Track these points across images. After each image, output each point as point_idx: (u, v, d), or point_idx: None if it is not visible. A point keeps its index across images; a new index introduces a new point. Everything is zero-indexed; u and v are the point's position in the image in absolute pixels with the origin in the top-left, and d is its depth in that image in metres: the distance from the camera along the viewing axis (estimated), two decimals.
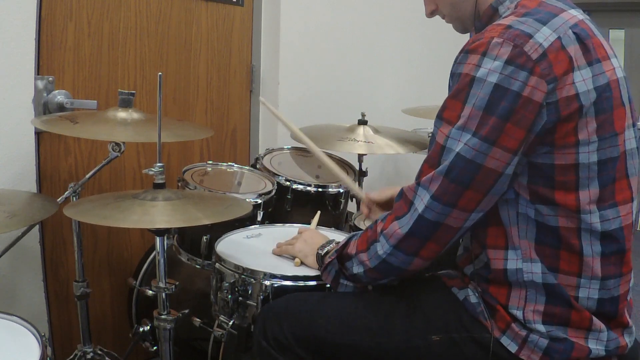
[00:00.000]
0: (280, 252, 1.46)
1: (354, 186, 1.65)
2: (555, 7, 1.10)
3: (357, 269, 1.22)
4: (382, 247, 1.16)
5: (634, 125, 1.14)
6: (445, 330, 1.16)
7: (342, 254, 1.26)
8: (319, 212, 1.67)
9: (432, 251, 1.13)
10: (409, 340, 1.17)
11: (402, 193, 1.15)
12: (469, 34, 1.31)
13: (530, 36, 1.03)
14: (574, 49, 1.04)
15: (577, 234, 1.08)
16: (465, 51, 1.08)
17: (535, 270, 1.10)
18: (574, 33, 1.06)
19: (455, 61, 1.10)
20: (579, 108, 1.03)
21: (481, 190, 1.07)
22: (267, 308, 1.29)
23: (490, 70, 1.03)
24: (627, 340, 1.13)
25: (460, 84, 1.07)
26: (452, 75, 1.11)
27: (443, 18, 1.31)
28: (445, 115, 1.10)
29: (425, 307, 1.20)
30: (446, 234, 1.11)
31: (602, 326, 1.10)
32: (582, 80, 1.04)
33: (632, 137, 1.12)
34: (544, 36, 1.03)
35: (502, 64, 1.02)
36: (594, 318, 1.10)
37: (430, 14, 1.31)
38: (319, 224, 1.65)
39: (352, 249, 1.24)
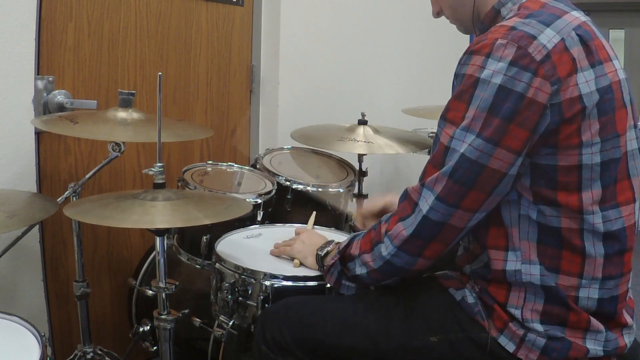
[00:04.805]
0: (279, 253, 1.46)
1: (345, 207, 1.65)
2: (558, 9, 1.10)
3: (360, 270, 1.22)
4: (386, 248, 1.16)
5: (635, 126, 1.14)
6: (443, 331, 1.16)
7: (344, 255, 1.26)
8: (314, 212, 1.67)
9: (435, 251, 1.13)
10: (407, 342, 1.17)
11: (406, 194, 1.16)
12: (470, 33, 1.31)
13: (534, 38, 1.03)
14: (577, 51, 1.05)
15: (579, 235, 1.08)
16: (469, 52, 1.08)
17: (533, 272, 1.10)
18: (577, 35, 1.06)
19: (459, 62, 1.11)
20: (582, 109, 1.04)
21: (485, 191, 1.07)
22: (266, 311, 1.29)
23: (494, 71, 1.03)
24: (627, 341, 1.13)
25: (464, 85, 1.07)
26: (456, 76, 1.11)
27: (448, 19, 1.31)
28: (449, 116, 1.10)
29: (422, 309, 1.20)
30: (450, 234, 1.11)
31: (601, 327, 1.10)
32: (585, 82, 1.04)
33: (633, 138, 1.13)
34: (548, 38, 1.03)
35: (506, 65, 1.03)
36: (592, 319, 1.10)
37: (437, 14, 1.32)
38: (316, 224, 1.66)
39: (355, 250, 1.24)
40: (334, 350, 1.20)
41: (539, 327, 1.10)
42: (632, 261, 1.15)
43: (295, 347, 1.20)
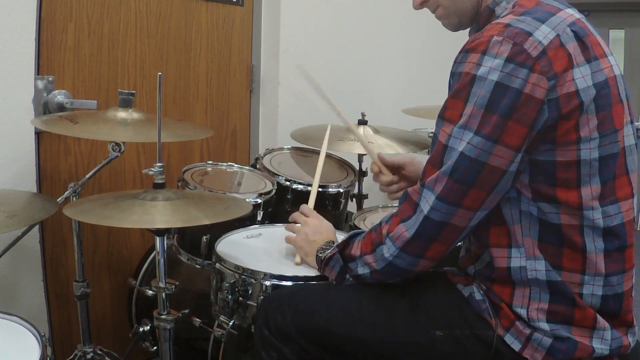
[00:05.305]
0: (288, 239, 1.46)
1: (367, 145, 1.64)
2: (553, 7, 1.11)
3: (362, 270, 1.22)
4: (388, 250, 1.16)
5: (632, 122, 1.15)
6: (449, 326, 1.16)
7: (344, 256, 1.26)
8: (318, 174, 1.64)
9: (438, 252, 1.13)
10: (412, 336, 1.17)
11: (406, 195, 1.15)
12: (468, 33, 1.30)
13: (529, 34, 1.03)
14: (572, 47, 1.05)
15: (579, 231, 1.08)
16: (465, 50, 1.08)
17: (539, 268, 1.10)
18: (572, 31, 1.06)
19: (455, 61, 1.11)
20: (579, 105, 1.04)
21: (485, 189, 1.07)
22: (270, 297, 1.29)
23: (490, 68, 1.03)
24: (630, 340, 1.13)
25: (461, 83, 1.07)
26: (453, 74, 1.11)
27: (434, 11, 1.27)
28: (446, 115, 1.10)
29: (429, 303, 1.20)
30: (452, 233, 1.11)
31: (606, 325, 1.10)
32: (582, 77, 1.04)
33: (630, 134, 1.13)
34: (543, 34, 1.04)
35: (503, 62, 1.03)
36: (598, 316, 1.10)
37: (420, 5, 1.27)
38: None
39: (356, 250, 1.23)
40: (338, 340, 1.20)
41: (545, 326, 1.10)
42: (634, 260, 1.15)
43: (298, 334, 1.20)
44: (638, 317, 1.18)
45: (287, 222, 1.70)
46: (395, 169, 1.55)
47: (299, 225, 1.45)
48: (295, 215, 1.49)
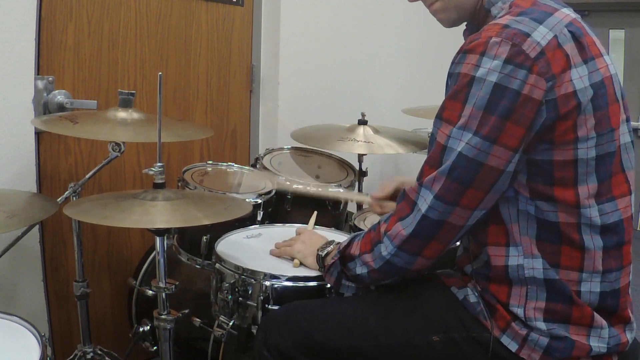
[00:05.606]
0: (279, 253, 1.47)
1: (355, 196, 1.64)
2: (549, 6, 1.11)
3: (360, 270, 1.22)
4: (385, 248, 1.16)
5: (627, 120, 1.15)
6: (445, 329, 1.16)
7: (344, 255, 1.27)
8: (315, 212, 1.68)
9: (435, 250, 1.13)
10: (409, 341, 1.17)
11: (404, 194, 1.16)
12: (462, 33, 1.29)
13: (527, 35, 1.03)
14: (570, 47, 1.05)
15: (577, 229, 1.09)
16: (464, 51, 1.08)
17: (536, 266, 1.10)
18: (569, 31, 1.07)
19: (453, 61, 1.11)
20: (577, 105, 1.04)
21: (483, 188, 1.07)
22: (268, 317, 1.30)
23: (489, 69, 1.03)
24: (628, 337, 1.13)
25: (460, 84, 1.07)
26: (451, 75, 1.11)
27: (430, 5, 1.24)
28: (445, 116, 1.10)
29: (424, 307, 1.20)
30: (449, 232, 1.11)
31: (604, 323, 1.10)
32: (579, 78, 1.05)
33: (626, 132, 1.14)
34: (541, 35, 1.04)
35: (501, 63, 1.03)
36: (595, 314, 1.10)
37: None
38: (316, 223, 1.66)
39: (355, 250, 1.24)
40: (336, 351, 1.20)
41: (542, 325, 1.10)
42: (632, 263, 1.15)
43: (297, 351, 1.21)
44: (637, 316, 1.18)
45: (287, 222, 1.72)
46: (394, 195, 1.49)
47: (291, 241, 1.47)
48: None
